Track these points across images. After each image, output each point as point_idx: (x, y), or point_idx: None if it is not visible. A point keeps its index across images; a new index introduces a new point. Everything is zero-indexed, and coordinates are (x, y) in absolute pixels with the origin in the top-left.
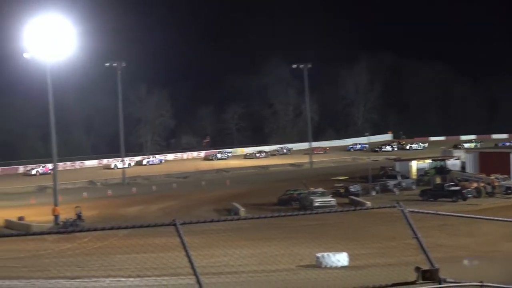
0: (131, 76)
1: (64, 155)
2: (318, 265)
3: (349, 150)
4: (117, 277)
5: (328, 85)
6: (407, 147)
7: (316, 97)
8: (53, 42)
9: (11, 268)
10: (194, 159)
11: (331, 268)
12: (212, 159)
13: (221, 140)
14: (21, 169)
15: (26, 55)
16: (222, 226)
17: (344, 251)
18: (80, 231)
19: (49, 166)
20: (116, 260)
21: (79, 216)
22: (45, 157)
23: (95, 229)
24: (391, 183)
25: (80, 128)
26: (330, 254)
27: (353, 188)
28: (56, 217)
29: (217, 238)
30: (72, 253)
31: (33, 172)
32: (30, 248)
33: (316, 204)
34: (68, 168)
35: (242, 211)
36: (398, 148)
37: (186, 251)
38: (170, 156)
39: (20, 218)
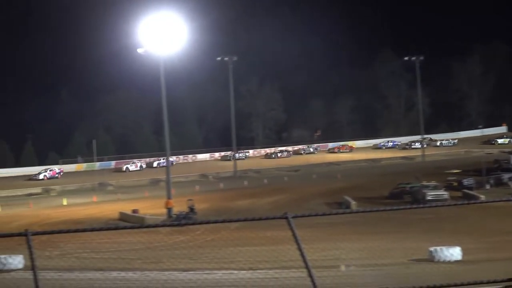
0: (243, 70)
1: (177, 148)
2: (430, 259)
3: (380, 148)
4: (229, 270)
5: (441, 78)
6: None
7: (428, 90)
8: (166, 37)
9: (126, 260)
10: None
11: (444, 262)
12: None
13: (332, 133)
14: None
15: (140, 50)
16: (333, 219)
17: (457, 245)
18: (193, 223)
19: (162, 159)
20: (228, 253)
21: (191, 209)
22: (158, 151)
23: (208, 222)
24: (505, 176)
25: (193, 121)
26: (443, 248)
27: (466, 181)
28: (169, 210)
29: (328, 232)
30: (185, 245)
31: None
32: (144, 240)
33: (429, 198)
34: (180, 161)
35: (353, 204)
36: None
37: (298, 244)
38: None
39: (134, 211)
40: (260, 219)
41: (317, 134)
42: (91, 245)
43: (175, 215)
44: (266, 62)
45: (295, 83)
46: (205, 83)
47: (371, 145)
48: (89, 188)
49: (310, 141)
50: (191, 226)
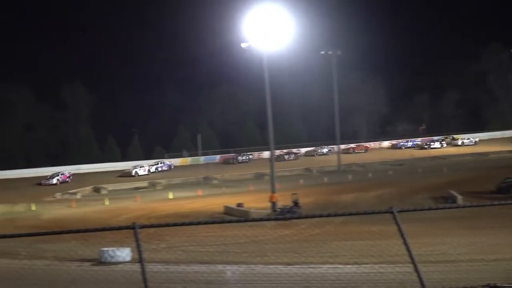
0: (346, 64)
1: (280, 142)
2: None
3: (399, 148)
4: (334, 264)
5: None
6: None
7: None
8: (270, 32)
9: (231, 253)
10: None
11: None
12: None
13: (437, 127)
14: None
15: (244, 45)
16: (439, 214)
17: None
18: (298, 217)
19: (266, 153)
20: (332, 247)
21: (295, 203)
22: (262, 145)
23: (312, 216)
24: None
25: (297, 116)
26: None
27: None
28: (274, 204)
29: (434, 226)
30: (290, 239)
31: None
32: (249, 234)
33: None
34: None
35: (460, 199)
36: None
37: (403, 238)
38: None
39: (239, 205)
40: (365, 213)
41: (422, 128)
42: (197, 238)
43: (279, 209)
44: (369, 56)
45: (398, 77)
46: (309, 77)
47: (389, 145)
48: (194, 182)
49: (414, 135)
50: (295, 220)
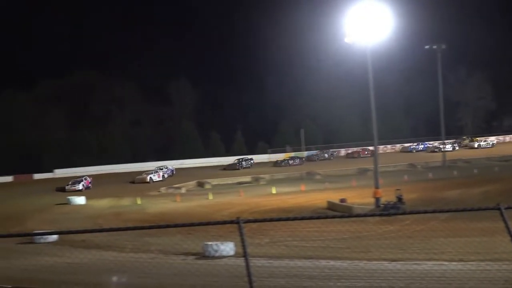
0: (451, 58)
1: (383, 137)
2: None
3: (410, 151)
4: (439, 261)
5: None
6: None
7: None
8: (372, 27)
9: (335, 248)
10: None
11: None
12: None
13: None
14: (342, 152)
15: (347, 40)
16: None
17: None
18: (402, 213)
19: (370, 148)
20: (438, 243)
21: (399, 199)
22: (364, 140)
23: (417, 212)
24: None
25: (400, 110)
26: None
27: None
28: (377, 199)
29: None
30: (395, 235)
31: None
32: (353, 229)
33: None
34: (388, 150)
35: None
36: None
37: (511, 236)
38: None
39: (342, 200)
40: (471, 209)
41: None
42: (300, 233)
43: (383, 205)
44: (475, 51)
45: (505, 72)
46: (412, 72)
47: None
48: (297, 177)
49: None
50: (399, 216)
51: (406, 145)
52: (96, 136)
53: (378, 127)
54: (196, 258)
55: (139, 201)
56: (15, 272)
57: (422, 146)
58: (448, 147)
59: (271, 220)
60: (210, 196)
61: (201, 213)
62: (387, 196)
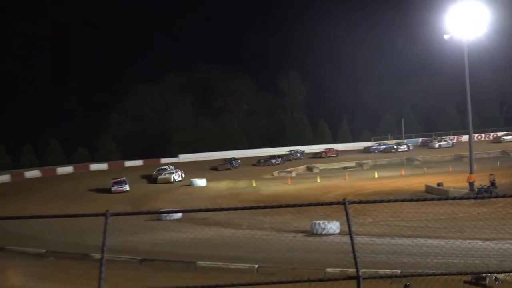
0: None
1: (477, 127)
2: None
3: (372, 152)
4: None
5: None
6: None
7: None
8: (470, 23)
9: (432, 228)
10: None
11: None
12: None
13: None
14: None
15: (446, 36)
16: None
17: None
18: (495, 197)
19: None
20: None
21: (492, 183)
22: (460, 129)
23: (510, 196)
24: None
25: (494, 101)
26: None
27: None
28: (471, 184)
29: None
30: (488, 216)
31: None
32: (449, 211)
33: None
34: (482, 139)
35: None
36: None
37: None
38: None
39: (439, 184)
40: None
41: None
42: (401, 214)
43: (477, 189)
44: None
45: None
46: (507, 65)
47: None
48: (398, 162)
49: None
50: (492, 199)
51: (499, 134)
52: (216, 124)
53: (472, 117)
54: (305, 235)
55: (254, 184)
56: (144, 246)
57: (384, 146)
58: (403, 147)
59: (374, 201)
60: (318, 179)
61: (309, 195)
62: (481, 180)
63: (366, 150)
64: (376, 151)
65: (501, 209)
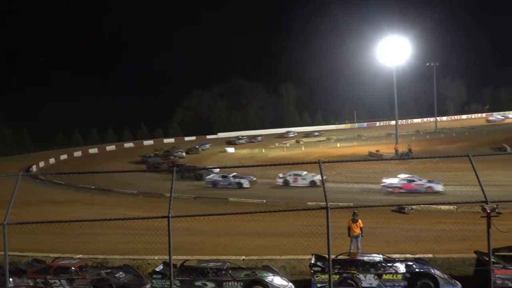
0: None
1: (401, 115)
2: None
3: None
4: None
5: None
6: None
7: None
8: (395, 52)
9: (372, 177)
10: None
11: None
12: None
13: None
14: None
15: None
16: (500, 157)
17: None
18: (411, 158)
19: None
20: (436, 177)
21: (410, 150)
22: (391, 118)
23: (421, 157)
24: None
25: (411, 100)
26: None
27: None
28: (396, 150)
29: (496, 165)
30: (408, 170)
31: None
32: (383, 167)
33: None
34: (404, 123)
35: (509, 148)
36: None
37: (477, 176)
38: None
39: (377, 151)
40: (447, 156)
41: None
42: (354, 169)
43: (400, 153)
44: (460, 65)
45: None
46: (418, 82)
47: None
48: (352, 137)
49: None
50: (409, 160)
51: (414, 120)
52: (241, 116)
53: (398, 109)
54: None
55: (263, 151)
56: (197, 188)
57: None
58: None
59: (337, 161)
60: (303, 148)
61: (298, 157)
62: (403, 148)
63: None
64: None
65: (415, 166)
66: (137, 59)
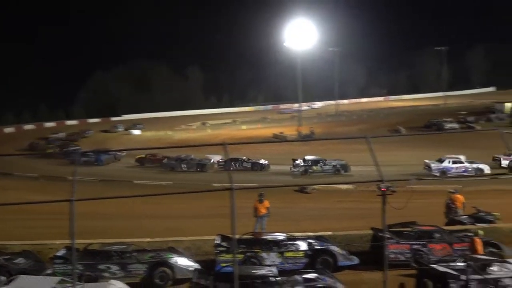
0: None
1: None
2: None
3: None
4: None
5: None
6: None
7: None
8: (300, 36)
9: (276, 159)
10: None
11: None
12: None
13: None
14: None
15: (284, 44)
16: (396, 139)
17: None
18: (313, 139)
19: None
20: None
21: (312, 132)
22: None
23: (321, 139)
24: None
25: (316, 84)
26: None
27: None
28: (299, 132)
29: (389, 147)
30: (309, 151)
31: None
32: (286, 149)
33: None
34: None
35: (403, 131)
36: None
37: (374, 158)
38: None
39: (281, 133)
40: (345, 138)
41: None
42: (260, 150)
43: (303, 134)
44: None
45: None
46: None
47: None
48: (257, 119)
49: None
50: (311, 141)
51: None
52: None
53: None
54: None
55: (169, 133)
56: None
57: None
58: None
59: (243, 143)
60: (209, 130)
61: (204, 139)
62: (305, 130)
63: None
64: None
65: (317, 146)
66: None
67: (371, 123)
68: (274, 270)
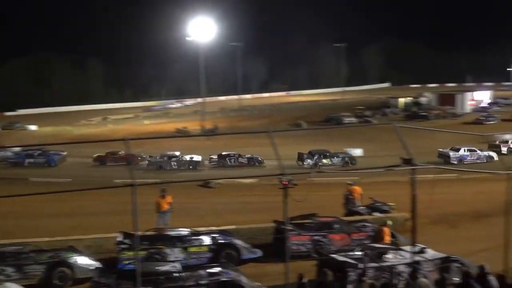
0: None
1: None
2: None
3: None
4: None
5: None
6: None
7: None
8: (203, 30)
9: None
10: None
11: None
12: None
13: None
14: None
15: (187, 38)
16: (297, 133)
17: None
18: (218, 134)
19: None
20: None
21: (216, 127)
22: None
23: (226, 133)
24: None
25: (223, 77)
26: None
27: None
28: (203, 127)
29: (294, 140)
30: (213, 146)
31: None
32: (189, 143)
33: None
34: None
35: (304, 125)
36: None
37: (275, 150)
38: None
39: (184, 127)
40: (251, 132)
41: (285, 86)
42: (163, 146)
43: (207, 129)
44: (259, 46)
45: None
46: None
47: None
48: (160, 114)
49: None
50: (215, 136)
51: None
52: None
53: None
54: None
55: (68, 128)
56: None
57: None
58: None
59: (144, 138)
60: (110, 125)
61: (105, 134)
62: (209, 125)
63: (147, 109)
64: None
65: (219, 141)
66: None
67: (273, 117)
68: (178, 265)
